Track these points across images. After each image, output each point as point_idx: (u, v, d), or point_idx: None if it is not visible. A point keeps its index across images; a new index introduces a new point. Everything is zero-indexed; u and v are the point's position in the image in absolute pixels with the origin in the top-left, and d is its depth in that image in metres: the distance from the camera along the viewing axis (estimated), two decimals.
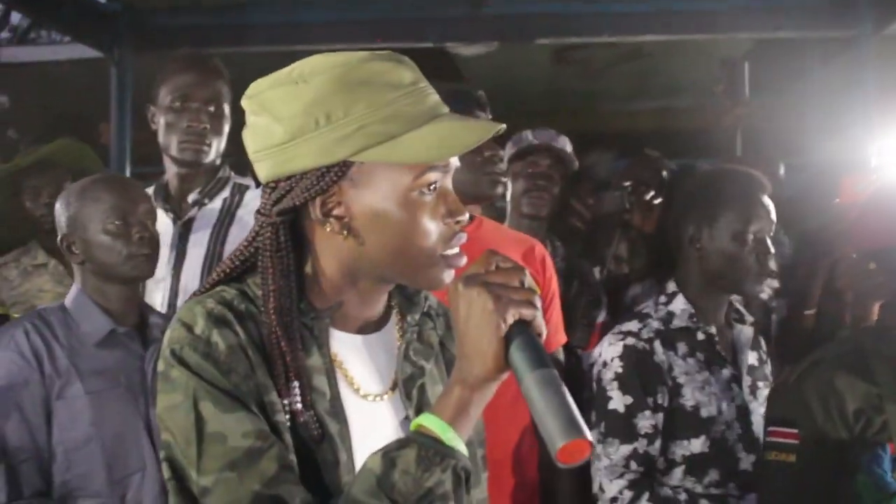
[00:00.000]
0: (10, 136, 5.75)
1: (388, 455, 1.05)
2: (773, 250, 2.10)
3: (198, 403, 1.10)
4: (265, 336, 1.15)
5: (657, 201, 3.17)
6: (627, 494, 2.02)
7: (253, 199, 2.49)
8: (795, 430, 1.74)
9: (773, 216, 2.12)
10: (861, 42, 4.38)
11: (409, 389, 1.25)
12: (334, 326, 1.22)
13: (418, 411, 1.23)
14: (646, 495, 2.01)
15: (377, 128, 1.12)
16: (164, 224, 2.48)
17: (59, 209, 2.15)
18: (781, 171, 3.55)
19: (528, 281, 1.07)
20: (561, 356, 2.40)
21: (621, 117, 7.57)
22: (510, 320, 1.04)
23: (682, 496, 2.04)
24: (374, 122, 1.12)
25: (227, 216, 2.49)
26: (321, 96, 1.12)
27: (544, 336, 1.07)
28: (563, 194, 2.99)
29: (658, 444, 2.05)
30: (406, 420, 1.23)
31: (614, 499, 2.03)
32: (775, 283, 2.79)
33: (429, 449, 1.04)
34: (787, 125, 5.62)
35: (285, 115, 1.14)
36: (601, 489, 2.05)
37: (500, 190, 2.25)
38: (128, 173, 4.86)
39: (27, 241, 3.03)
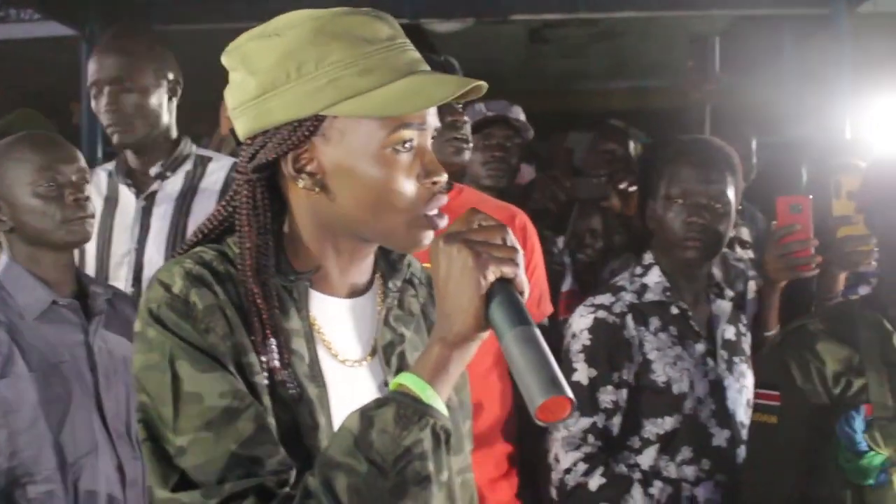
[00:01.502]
0: None
1: (366, 414, 1.03)
2: (705, 215, 2.07)
3: (174, 363, 1.08)
4: (243, 295, 1.14)
5: (633, 189, 3.19)
6: (581, 467, 2.00)
7: (216, 171, 2.49)
8: (777, 393, 1.76)
9: (714, 182, 2.09)
10: (836, 19, 4.38)
11: (389, 356, 1.24)
12: (316, 289, 1.21)
13: None
14: (599, 470, 2.00)
15: (349, 81, 1.10)
16: (127, 198, 2.47)
17: None
18: (754, 146, 3.56)
19: (511, 239, 1.06)
20: (546, 326, 2.39)
21: (598, 97, 7.58)
22: (491, 278, 1.03)
23: (637, 475, 2.03)
24: (346, 75, 1.10)
25: (189, 189, 2.46)
26: (293, 49, 1.11)
27: (526, 294, 1.05)
28: (518, 165, 3.01)
29: (618, 419, 2.04)
30: (384, 385, 1.22)
31: (568, 470, 2.01)
32: (747, 254, 2.80)
33: (407, 407, 1.02)
34: (761, 103, 5.64)
35: (258, 68, 1.13)
36: (556, 459, 2.04)
37: (464, 156, 2.23)
38: (99, 153, 4.81)
39: None
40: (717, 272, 2.27)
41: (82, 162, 2.09)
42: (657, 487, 2.02)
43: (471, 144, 2.27)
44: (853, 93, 4.32)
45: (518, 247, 1.07)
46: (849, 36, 4.30)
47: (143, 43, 2.50)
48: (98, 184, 2.54)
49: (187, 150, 2.54)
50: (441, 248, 1.05)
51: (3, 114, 4.70)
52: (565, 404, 0.98)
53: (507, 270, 1.04)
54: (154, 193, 2.46)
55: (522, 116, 3.01)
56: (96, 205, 2.53)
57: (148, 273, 2.39)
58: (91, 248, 2.50)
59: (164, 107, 2.50)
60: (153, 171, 2.47)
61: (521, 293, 1.05)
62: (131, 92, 2.45)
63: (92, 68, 2.49)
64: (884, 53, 4.79)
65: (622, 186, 3.14)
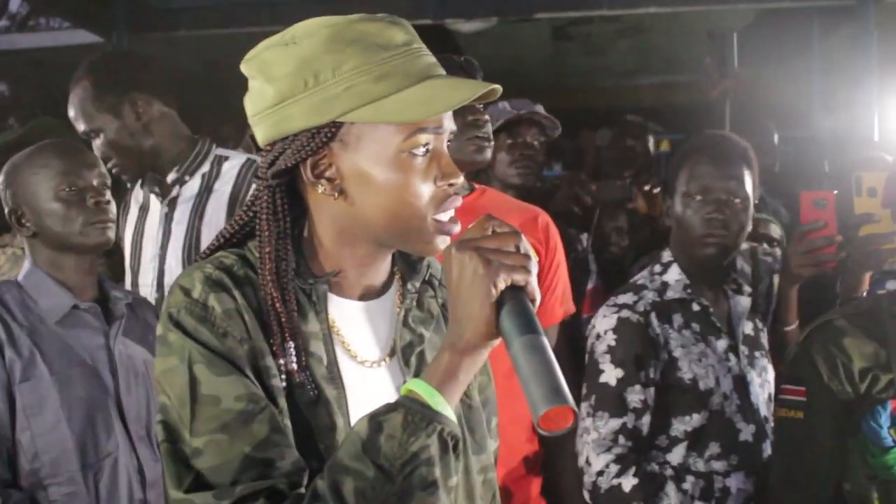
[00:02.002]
0: (11, 125, 5.72)
1: (375, 419, 1.04)
2: (725, 211, 2.06)
3: (193, 366, 1.10)
4: (262, 299, 1.15)
5: (657, 190, 3.19)
6: (614, 468, 1.99)
7: (229, 170, 2.45)
8: (803, 388, 1.74)
9: (733, 178, 2.08)
10: (862, 10, 4.35)
11: (408, 356, 1.24)
12: (334, 292, 1.22)
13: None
14: (632, 470, 1.99)
15: (365, 88, 1.10)
16: (155, 206, 2.49)
17: (4, 180, 2.03)
18: (776, 140, 3.54)
19: (524, 246, 1.06)
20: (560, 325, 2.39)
21: (623, 93, 7.55)
22: (502, 285, 1.03)
23: (668, 472, 2.03)
24: (363, 82, 1.10)
25: (205, 191, 2.43)
26: (310, 57, 1.12)
27: (538, 302, 1.05)
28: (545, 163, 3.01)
29: (647, 418, 2.03)
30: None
31: (601, 472, 2.00)
32: (773, 231, 2.78)
33: (415, 413, 1.03)
34: (786, 97, 5.61)
35: (276, 76, 1.14)
36: (587, 462, 2.03)
37: (486, 155, 2.23)
38: None
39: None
40: (745, 266, 2.26)
41: (103, 168, 2.11)
42: (690, 482, 2.01)
43: (492, 143, 2.27)
44: (880, 84, 4.29)
45: (532, 254, 1.07)
46: (874, 27, 4.26)
47: (88, 84, 2.43)
48: (136, 193, 2.59)
49: (205, 152, 2.50)
50: (453, 254, 1.05)
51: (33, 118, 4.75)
52: (568, 415, 0.97)
53: (519, 278, 1.03)
54: (175, 199, 2.46)
55: (543, 112, 3.01)
56: (133, 213, 2.57)
57: (168, 279, 2.40)
58: (126, 255, 2.54)
59: (138, 131, 2.43)
60: (170, 177, 2.45)
61: (533, 301, 1.05)
62: (98, 137, 2.44)
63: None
64: None
65: (646, 188, 3.13)
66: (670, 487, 2.00)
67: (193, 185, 2.46)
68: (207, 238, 2.38)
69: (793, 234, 2.16)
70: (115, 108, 2.40)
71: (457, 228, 1.17)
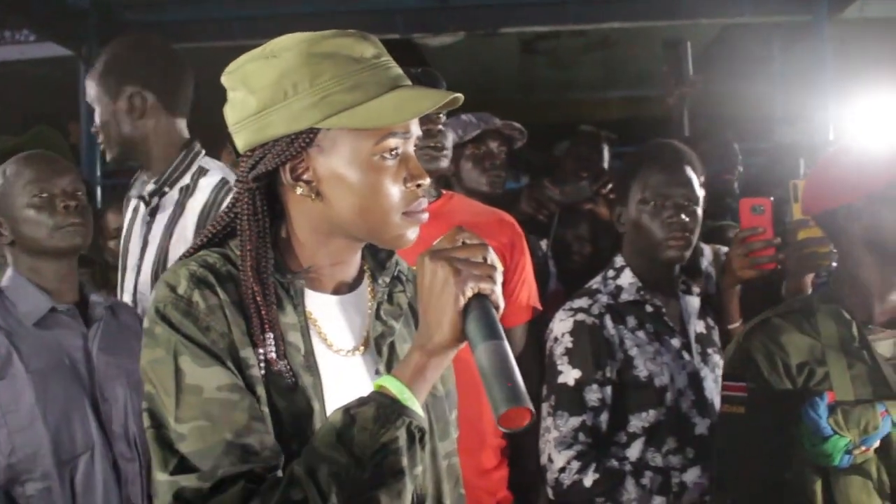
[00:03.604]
0: None
1: (349, 412, 1.12)
2: (682, 216, 2.15)
3: (178, 357, 1.18)
4: (243, 294, 1.23)
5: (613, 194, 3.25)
6: (575, 465, 2.07)
7: (203, 188, 2.38)
8: (744, 384, 1.82)
9: (686, 183, 2.18)
10: (818, 26, 4.48)
11: (380, 346, 1.32)
12: (310, 287, 1.30)
13: (388, 366, 1.31)
14: (592, 466, 2.06)
15: (340, 97, 1.20)
16: (141, 211, 2.49)
17: None
18: (736, 149, 3.64)
19: (491, 256, 1.15)
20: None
21: (591, 106, 7.65)
22: (469, 293, 1.12)
23: (627, 467, 2.10)
24: (337, 91, 1.20)
25: (178, 206, 2.39)
26: (289, 69, 1.21)
27: (501, 308, 1.14)
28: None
29: (605, 416, 2.10)
30: (377, 374, 1.31)
31: (562, 469, 2.07)
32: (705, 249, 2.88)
33: (386, 408, 1.11)
34: (750, 109, 5.72)
35: (257, 87, 1.22)
36: (550, 460, 2.10)
37: (439, 164, 2.29)
38: (98, 171, 4.88)
39: None
40: (710, 269, 2.35)
41: (75, 174, 2.15)
42: (648, 477, 2.08)
43: (447, 152, 2.33)
44: (837, 96, 4.40)
45: (498, 264, 1.16)
46: (831, 41, 4.39)
47: (102, 60, 2.45)
48: (132, 190, 2.58)
49: (187, 163, 2.44)
50: (426, 263, 1.14)
51: (1, 133, 4.76)
52: (525, 415, 1.06)
53: (485, 287, 1.12)
54: (155, 209, 2.43)
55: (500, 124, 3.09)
56: (128, 212, 2.55)
57: (143, 289, 2.39)
58: (120, 252, 2.56)
59: (125, 120, 2.40)
60: (148, 188, 2.41)
61: (497, 308, 1.14)
62: (95, 110, 2.44)
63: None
64: (870, 57, 4.87)
65: (605, 191, 3.21)
66: (629, 482, 2.06)
67: (172, 197, 2.41)
68: (174, 256, 2.35)
69: (733, 238, 2.27)
70: (112, 93, 2.40)
71: (424, 217, 1.26)
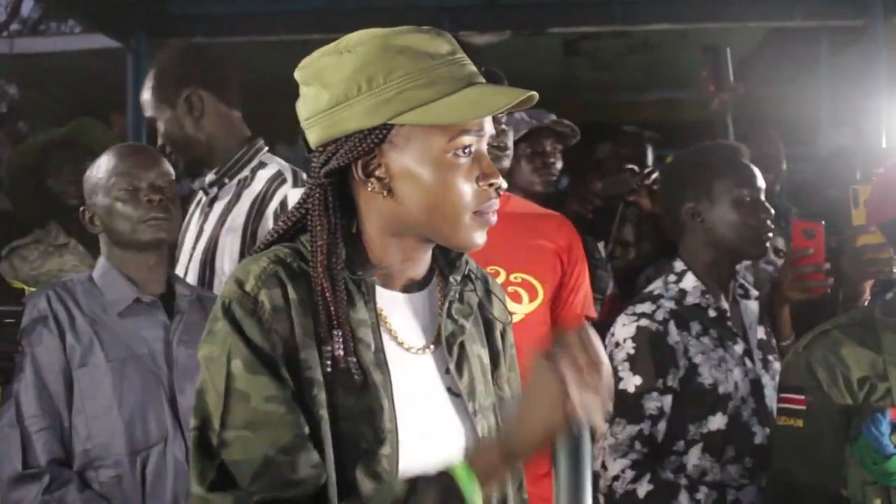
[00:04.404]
0: (20, 129, 5.78)
1: (413, 486, 1.12)
2: (771, 210, 2.17)
3: (231, 360, 1.17)
4: (314, 290, 1.22)
5: (657, 185, 3.21)
6: (629, 474, 2.04)
7: (260, 180, 2.46)
8: (803, 397, 1.79)
9: (761, 181, 2.20)
10: (872, 30, 4.40)
11: (451, 345, 1.32)
12: (380, 284, 1.29)
13: (459, 365, 1.31)
14: (647, 476, 2.03)
15: (414, 93, 1.19)
16: (201, 204, 2.54)
17: (84, 181, 2.18)
18: (783, 150, 3.60)
19: (604, 385, 1.11)
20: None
21: (632, 108, 7.59)
22: (567, 414, 1.09)
23: (683, 481, 2.06)
24: (412, 87, 1.19)
25: (235, 197, 2.46)
26: (363, 64, 1.20)
27: (601, 432, 1.16)
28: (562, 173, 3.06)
29: (662, 426, 2.07)
30: (447, 373, 1.30)
31: (616, 477, 2.05)
32: (780, 243, 2.85)
33: (447, 495, 1.10)
34: (796, 115, 5.64)
35: (331, 82, 1.22)
36: (604, 467, 2.07)
37: (502, 164, 2.29)
38: None
39: (46, 221, 3.07)
40: (747, 276, 2.32)
41: (164, 167, 2.19)
42: (703, 493, 2.06)
43: (509, 152, 2.32)
44: (890, 101, 4.33)
45: (607, 392, 1.12)
46: (884, 46, 4.31)
47: (153, 74, 2.54)
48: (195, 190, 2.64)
49: (249, 156, 2.52)
50: (540, 363, 1.11)
51: (42, 124, 4.81)
52: None
53: (588, 417, 1.09)
54: (213, 200, 2.50)
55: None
56: (192, 204, 2.62)
57: (191, 278, 2.43)
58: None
59: (190, 125, 2.49)
60: (209, 178, 2.49)
61: (593, 436, 1.13)
62: (157, 122, 2.52)
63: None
64: None
65: (649, 182, 3.17)
66: (683, 496, 2.03)
67: (230, 189, 2.48)
68: (224, 245, 2.42)
69: (784, 261, 2.26)
70: (170, 100, 2.49)
71: (494, 219, 1.25)
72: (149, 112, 2.53)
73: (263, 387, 1.16)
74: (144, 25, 4.60)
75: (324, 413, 1.19)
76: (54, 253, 3.00)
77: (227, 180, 2.49)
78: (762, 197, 2.18)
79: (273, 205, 2.40)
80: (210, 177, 2.47)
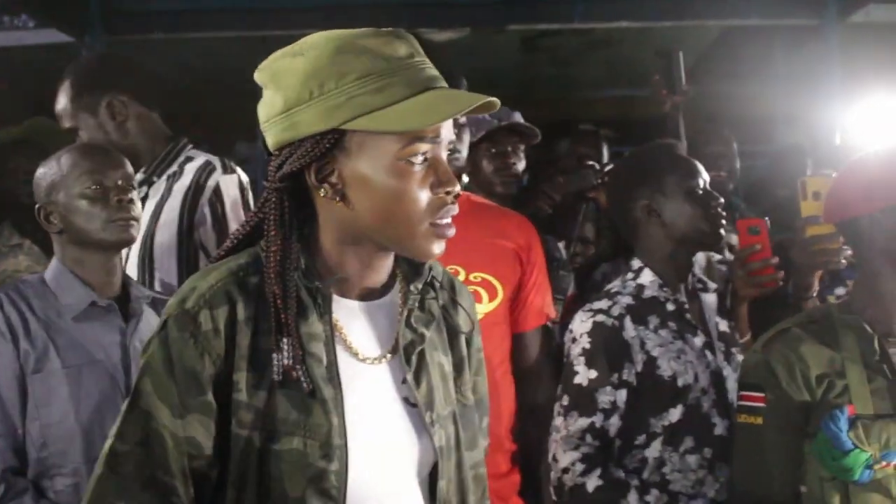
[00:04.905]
0: None
1: None
2: (720, 198, 2.21)
3: (143, 377, 1.19)
4: (267, 296, 1.21)
5: None
6: (579, 467, 2.05)
7: (188, 173, 2.51)
8: (762, 394, 1.81)
9: (705, 172, 2.26)
10: (827, 30, 4.46)
11: (409, 354, 1.30)
12: (337, 293, 1.27)
13: (417, 375, 1.29)
14: (597, 472, 2.04)
15: (366, 98, 1.17)
16: None
17: (38, 178, 2.11)
18: (735, 148, 3.65)
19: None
20: (550, 329, 2.44)
21: (592, 105, 7.62)
22: None
23: (634, 482, 2.08)
24: (364, 92, 1.17)
25: (167, 192, 2.49)
26: (316, 68, 1.18)
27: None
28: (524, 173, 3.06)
29: (615, 420, 2.08)
30: (403, 382, 1.28)
31: (566, 469, 2.05)
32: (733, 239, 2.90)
33: None
34: (750, 111, 5.71)
35: (285, 85, 1.20)
36: (555, 459, 2.08)
37: (454, 166, 2.28)
38: None
39: None
40: (701, 275, 2.35)
41: (128, 168, 2.17)
42: (653, 496, 2.07)
43: (458, 155, 2.31)
44: (843, 99, 4.40)
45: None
46: (837, 46, 4.38)
47: (68, 83, 2.53)
48: None
49: (175, 153, 2.56)
50: None
51: (4, 122, 4.72)
52: None
53: None
54: (143, 200, 2.49)
55: (521, 120, 3.06)
56: None
57: (136, 274, 2.44)
58: None
59: (113, 130, 2.51)
60: (139, 176, 2.47)
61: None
62: (78, 132, 2.52)
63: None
64: (875, 62, 4.86)
65: (605, 179, 3.19)
66: (633, 496, 2.04)
67: (160, 186, 2.51)
68: (159, 240, 2.46)
69: (733, 259, 2.30)
70: (91, 107, 2.49)
71: (452, 232, 1.22)
72: (67, 122, 2.51)
73: (169, 409, 1.17)
74: (100, 21, 4.54)
75: (253, 434, 1.19)
76: (8, 254, 2.95)
77: (155, 178, 2.51)
78: (709, 187, 2.23)
79: (207, 194, 2.46)
80: (139, 176, 2.46)
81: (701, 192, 2.21)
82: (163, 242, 2.45)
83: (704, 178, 2.24)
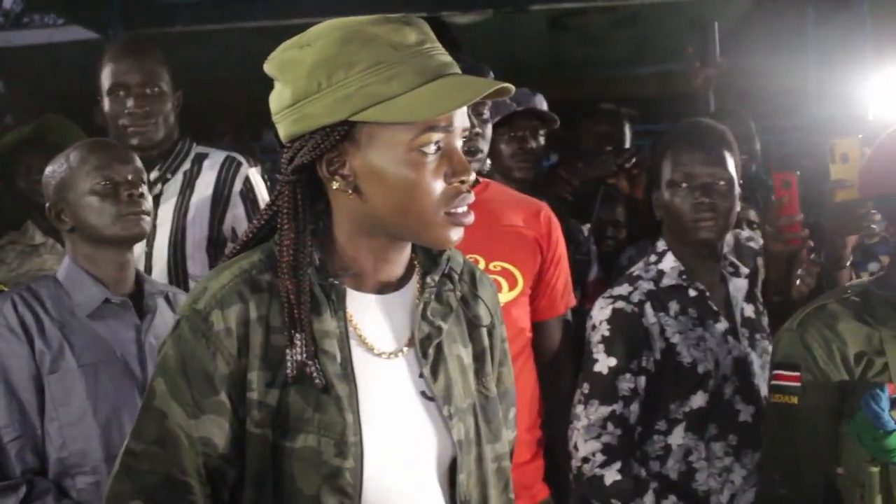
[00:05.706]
0: (7, 122, 5.73)
1: None
2: (709, 198, 2.08)
3: (157, 377, 1.18)
4: (280, 293, 1.19)
5: (636, 170, 3.19)
6: (599, 458, 2.01)
7: (212, 167, 2.55)
8: (798, 374, 1.75)
9: (715, 162, 2.11)
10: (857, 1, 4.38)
11: (426, 348, 1.26)
12: (352, 286, 1.24)
13: (434, 369, 1.26)
14: (616, 465, 2.01)
15: (376, 88, 1.13)
16: None
17: (47, 177, 2.10)
18: (753, 128, 3.56)
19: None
20: (569, 317, 2.41)
21: (620, 83, 7.55)
22: None
23: (654, 484, 2.04)
24: (374, 82, 1.13)
25: (187, 188, 2.51)
26: (323, 59, 1.15)
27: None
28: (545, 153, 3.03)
29: (635, 407, 2.05)
30: (420, 376, 1.25)
31: (586, 458, 2.02)
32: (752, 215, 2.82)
33: None
34: (784, 85, 5.62)
35: (293, 77, 1.17)
36: (575, 448, 2.05)
37: (477, 157, 2.24)
38: None
39: (21, 222, 3.02)
40: (729, 253, 2.29)
41: (138, 163, 2.14)
42: (671, 500, 2.04)
43: (485, 151, 2.27)
44: (875, 70, 4.31)
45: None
46: (869, 15, 4.29)
47: (159, 52, 2.58)
48: None
49: (185, 150, 2.58)
50: None
51: (28, 117, 4.74)
52: None
53: None
54: (158, 196, 2.49)
55: (545, 105, 3.01)
56: None
57: (156, 275, 2.44)
58: None
59: (173, 114, 2.57)
60: (153, 175, 2.47)
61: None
62: (154, 96, 2.51)
63: (114, 71, 2.54)
64: None
65: (628, 166, 3.14)
66: (649, 497, 2.01)
67: (176, 183, 2.52)
68: (191, 236, 2.48)
69: (766, 211, 2.24)
70: (171, 84, 2.56)
71: (470, 220, 1.19)
72: (154, 84, 2.54)
73: (183, 409, 1.17)
74: (121, 16, 4.56)
75: (266, 432, 1.17)
76: (32, 253, 2.95)
77: (170, 175, 2.53)
78: (701, 181, 2.10)
79: (237, 186, 2.51)
80: (154, 174, 2.48)
81: (685, 186, 2.10)
82: (194, 237, 2.47)
83: (696, 171, 2.10)
